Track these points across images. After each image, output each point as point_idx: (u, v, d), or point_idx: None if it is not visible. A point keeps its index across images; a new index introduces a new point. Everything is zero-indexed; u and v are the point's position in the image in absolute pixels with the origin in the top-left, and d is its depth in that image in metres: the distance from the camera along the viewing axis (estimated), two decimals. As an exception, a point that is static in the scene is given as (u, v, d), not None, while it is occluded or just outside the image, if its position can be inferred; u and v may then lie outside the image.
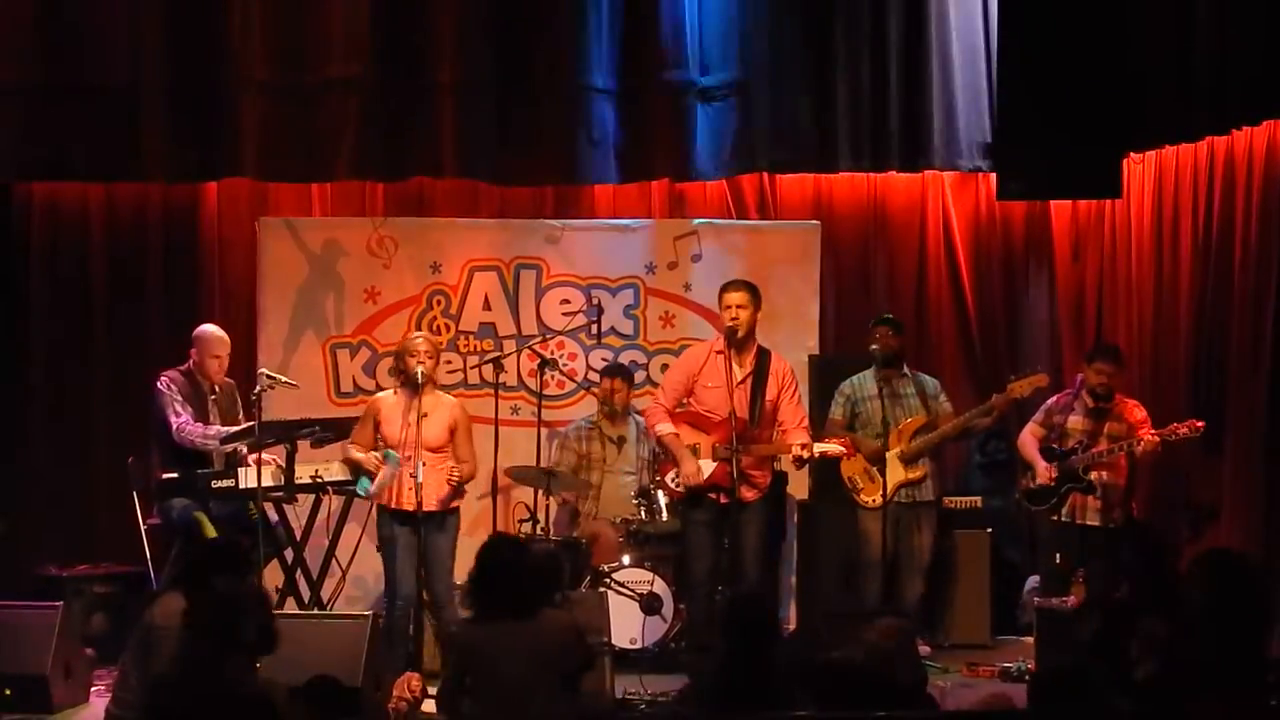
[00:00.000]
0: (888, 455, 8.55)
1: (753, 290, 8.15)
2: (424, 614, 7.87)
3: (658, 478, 8.61)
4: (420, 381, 7.80)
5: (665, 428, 8.16)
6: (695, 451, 8.08)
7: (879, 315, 8.95)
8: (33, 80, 8.97)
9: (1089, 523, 8.31)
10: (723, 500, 7.97)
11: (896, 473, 8.61)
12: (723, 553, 7.96)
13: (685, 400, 8.24)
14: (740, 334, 8.05)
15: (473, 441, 8.10)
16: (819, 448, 8.08)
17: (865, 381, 8.76)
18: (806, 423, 8.27)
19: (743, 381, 8.07)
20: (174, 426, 8.29)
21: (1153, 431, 8.19)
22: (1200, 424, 8.09)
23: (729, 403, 7.93)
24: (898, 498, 8.61)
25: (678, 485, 8.16)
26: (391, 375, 8.38)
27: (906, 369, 8.85)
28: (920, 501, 8.73)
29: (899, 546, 8.65)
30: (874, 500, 8.65)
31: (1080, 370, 8.62)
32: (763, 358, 8.15)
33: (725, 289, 8.19)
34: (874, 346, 8.67)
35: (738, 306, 8.06)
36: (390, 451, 7.82)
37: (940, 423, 8.72)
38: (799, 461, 8.17)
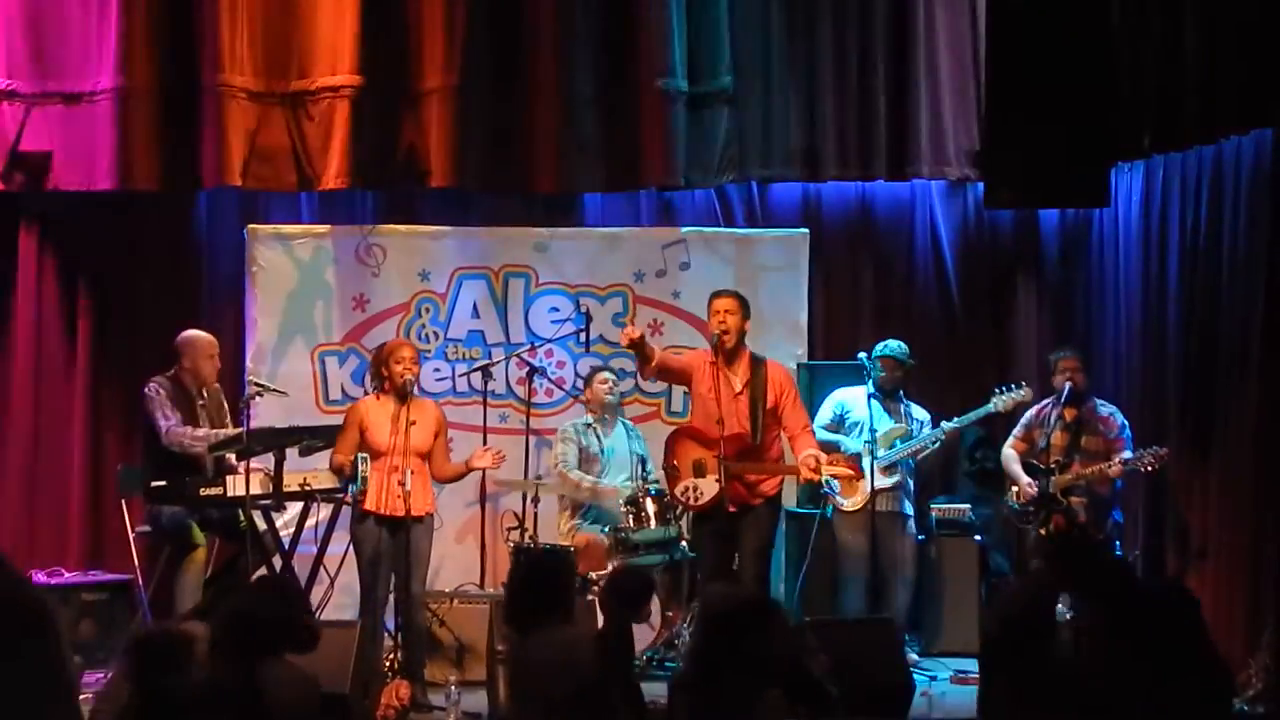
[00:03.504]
0: (865, 462, 8.52)
1: (741, 299, 8.15)
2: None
3: (648, 489, 8.60)
4: (409, 390, 7.82)
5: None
6: (701, 468, 7.98)
7: (885, 345, 8.90)
8: (22, 87, 8.97)
9: (1073, 539, 8.32)
10: (731, 509, 7.91)
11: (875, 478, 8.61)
12: (731, 562, 7.95)
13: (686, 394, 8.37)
14: (730, 343, 8.02)
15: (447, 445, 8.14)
16: (828, 470, 8.01)
17: (857, 395, 8.81)
18: (810, 425, 8.27)
19: (740, 393, 8.03)
20: (163, 429, 8.27)
21: (1120, 461, 8.31)
22: (1165, 451, 8.21)
23: (718, 412, 7.87)
24: (875, 505, 8.57)
25: (687, 498, 8.06)
26: (371, 379, 8.30)
27: (902, 395, 8.89)
28: (896, 511, 8.74)
29: (881, 555, 8.60)
30: (850, 504, 8.65)
31: (1055, 378, 8.69)
32: (758, 366, 8.12)
33: (714, 296, 8.19)
34: (882, 374, 8.75)
35: (726, 312, 8.03)
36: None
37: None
38: (809, 484, 8.10)
